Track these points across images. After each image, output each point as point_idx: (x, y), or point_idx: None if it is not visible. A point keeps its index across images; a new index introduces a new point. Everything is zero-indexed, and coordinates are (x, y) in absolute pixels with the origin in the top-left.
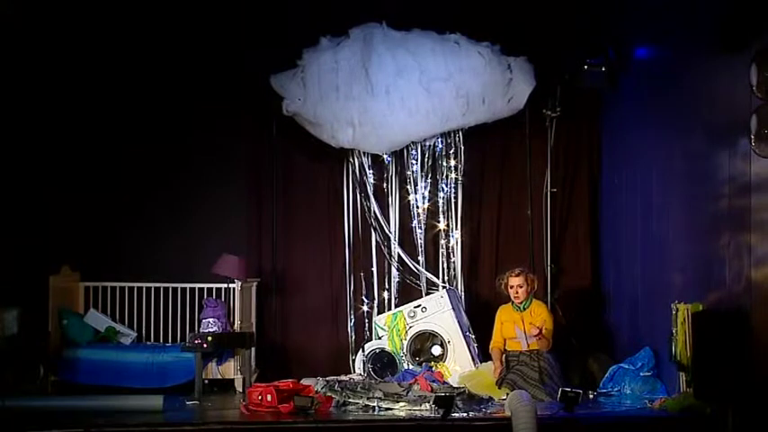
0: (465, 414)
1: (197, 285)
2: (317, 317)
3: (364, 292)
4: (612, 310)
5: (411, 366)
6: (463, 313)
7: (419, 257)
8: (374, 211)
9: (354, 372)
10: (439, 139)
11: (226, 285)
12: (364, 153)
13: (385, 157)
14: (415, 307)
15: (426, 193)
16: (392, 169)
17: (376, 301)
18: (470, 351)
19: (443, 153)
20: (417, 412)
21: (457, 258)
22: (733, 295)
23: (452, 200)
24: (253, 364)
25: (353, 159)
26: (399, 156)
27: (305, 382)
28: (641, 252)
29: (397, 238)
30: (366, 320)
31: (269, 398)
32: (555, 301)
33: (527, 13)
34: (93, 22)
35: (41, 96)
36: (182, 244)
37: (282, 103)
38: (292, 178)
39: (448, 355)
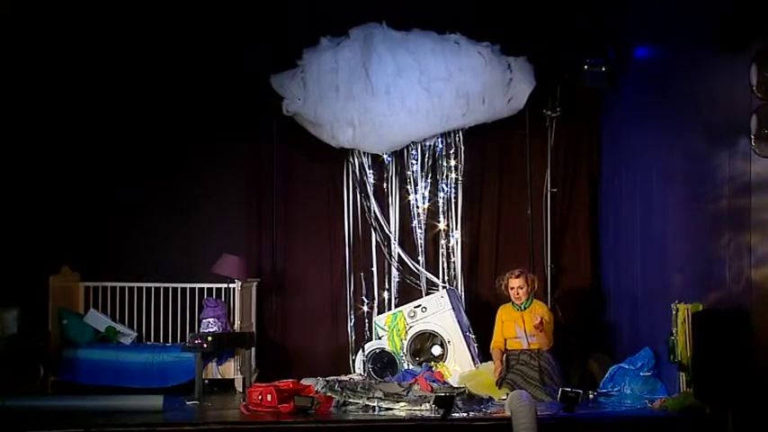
0: (465, 414)
1: (197, 285)
2: (317, 317)
3: (364, 291)
4: (612, 311)
5: (411, 366)
6: (463, 313)
7: (419, 257)
8: (374, 211)
9: (354, 372)
10: (439, 139)
11: (226, 285)
12: (364, 153)
13: (385, 157)
14: (415, 307)
15: (426, 193)
16: (392, 169)
17: (376, 301)
18: (470, 351)
19: (443, 153)
20: (417, 412)
21: (457, 258)
22: (733, 295)
23: (452, 200)
24: (253, 364)
25: (353, 159)
26: (399, 156)
27: (305, 382)
28: (641, 252)
29: (397, 238)
30: (366, 320)
31: (269, 398)
32: (555, 301)
33: (527, 13)
34: (92, 22)
35: (41, 96)
36: (182, 244)
37: (282, 103)
38: (292, 178)
39: (448, 355)
